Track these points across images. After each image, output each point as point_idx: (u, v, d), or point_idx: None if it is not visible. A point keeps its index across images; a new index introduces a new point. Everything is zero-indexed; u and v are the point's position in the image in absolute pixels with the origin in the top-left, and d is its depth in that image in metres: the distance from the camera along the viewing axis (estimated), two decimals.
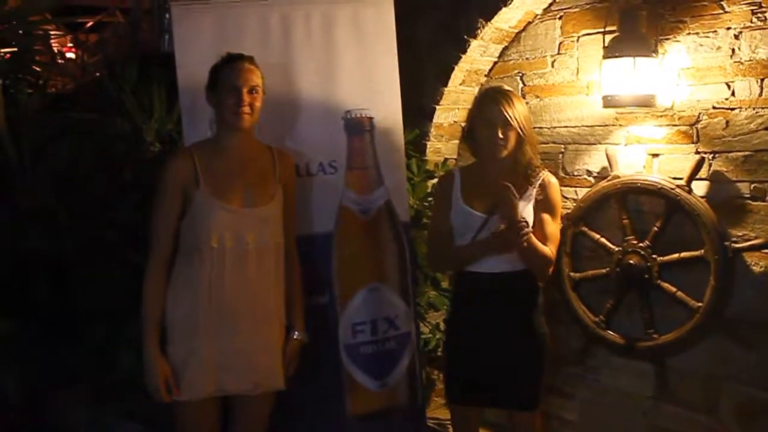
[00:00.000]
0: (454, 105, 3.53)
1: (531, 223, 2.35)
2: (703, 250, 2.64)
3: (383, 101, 2.82)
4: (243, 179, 2.30)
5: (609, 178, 2.91)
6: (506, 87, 2.63)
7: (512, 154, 2.41)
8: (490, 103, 2.41)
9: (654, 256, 2.77)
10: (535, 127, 2.75)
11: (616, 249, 2.88)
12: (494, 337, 2.42)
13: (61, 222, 2.95)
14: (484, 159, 2.50)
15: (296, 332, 2.44)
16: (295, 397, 2.48)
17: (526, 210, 2.37)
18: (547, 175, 2.45)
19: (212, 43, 2.59)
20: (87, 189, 3.01)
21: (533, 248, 2.31)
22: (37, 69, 3.52)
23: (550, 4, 3.15)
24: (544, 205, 2.40)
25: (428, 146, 3.54)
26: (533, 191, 2.40)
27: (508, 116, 2.35)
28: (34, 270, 2.94)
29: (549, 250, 2.36)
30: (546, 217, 2.39)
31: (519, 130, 2.37)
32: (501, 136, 2.37)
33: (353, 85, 2.79)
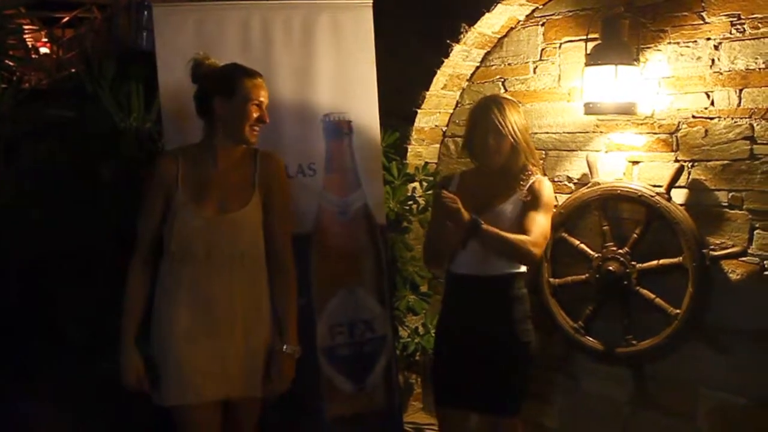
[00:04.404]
0: (435, 109, 3.53)
1: (512, 220, 2.39)
2: (681, 258, 2.67)
3: (361, 105, 2.83)
4: (221, 185, 2.26)
5: (589, 184, 2.92)
6: (503, 95, 2.62)
7: (506, 161, 2.45)
8: (483, 111, 2.45)
9: (633, 262, 2.79)
10: None
11: (596, 255, 2.89)
12: (478, 340, 2.42)
13: (35, 221, 2.90)
14: (481, 165, 2.54)
15: (286, 345, 2.31)
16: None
17: (510, 210, 2.41)
18: (538, 178, 2.47)
19: (193, 44, 2.58)
20: (62, 187, 2.96)
21: (491, 235, 2.30)
22: (11, 64, 3.45)
23: (533, 11, 3.17)
24: (531, 202, 2.42)
25: (409, 150, 3.54)
26: (522, 194, 2.43)
27: (499, 125, 2.40)
28: (6, 269, 2.88)
29: (519, 237, 2.35)
30: (531, 212, 2.41)
31: (511, 138, 2.41)
32: (492, 143, 2.42)
33: (331, 88, 2.80)
